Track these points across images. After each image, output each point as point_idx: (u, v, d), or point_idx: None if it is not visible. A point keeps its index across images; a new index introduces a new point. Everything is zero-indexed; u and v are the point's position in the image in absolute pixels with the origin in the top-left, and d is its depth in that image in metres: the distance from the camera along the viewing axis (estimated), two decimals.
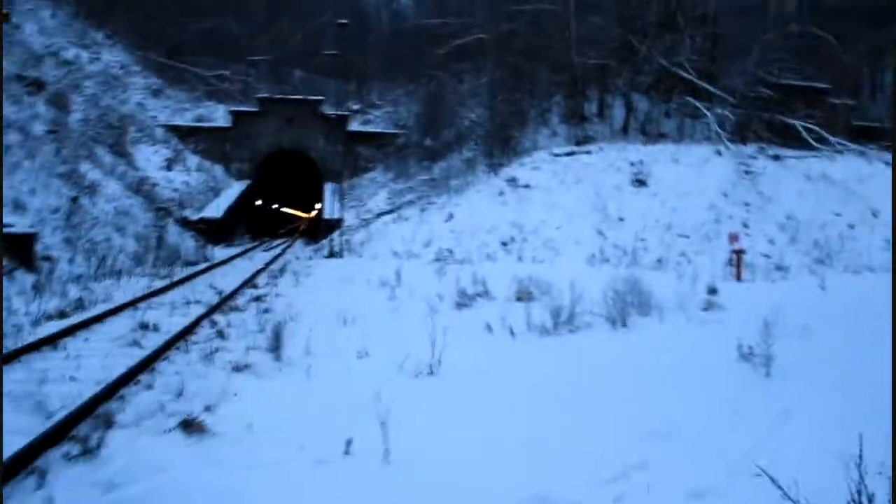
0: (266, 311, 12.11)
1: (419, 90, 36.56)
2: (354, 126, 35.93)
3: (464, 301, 12.74)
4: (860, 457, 3.82)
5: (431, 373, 7.40)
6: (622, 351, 8.37)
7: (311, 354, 8.42)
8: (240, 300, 13.65)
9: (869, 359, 8.13)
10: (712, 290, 13.86)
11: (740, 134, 23.83)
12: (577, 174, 22.40)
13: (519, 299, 12.87)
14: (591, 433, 5.33)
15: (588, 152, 23.34)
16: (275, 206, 49.29)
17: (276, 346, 8.59)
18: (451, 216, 22.64)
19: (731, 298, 13.25)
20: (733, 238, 17.76)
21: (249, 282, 16.31)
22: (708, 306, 12.05)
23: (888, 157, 22.65)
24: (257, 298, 13.94)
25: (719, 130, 23.34)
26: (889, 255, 18.62)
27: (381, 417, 5.12)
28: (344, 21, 39.33)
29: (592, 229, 20.42)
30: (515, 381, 6.94)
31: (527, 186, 22.67)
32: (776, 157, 21.95)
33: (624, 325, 10.00)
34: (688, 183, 21.29)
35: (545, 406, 6.07)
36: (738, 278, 17.11)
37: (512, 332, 9.39)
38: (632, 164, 22.17)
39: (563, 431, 5.37)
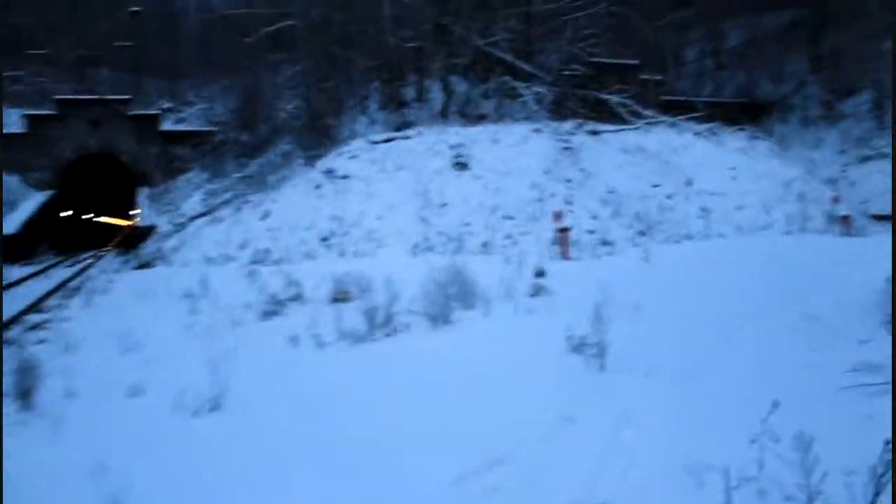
0: (41, 341, 10.26)
1: (235, 84, 34.37)
2: (168, 125, 33.16)
3: (273, 308, 11.41)
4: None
5: (215, 408, 6.10)
6: (443, 356, 7.41)
7: (74, 396, 6.88)
8: (14, 331, 11.55)
9: (703, 338, 7.67)
10: (540, 273, 13.33)
11: (558, 111, 23.83)
12: (396, 161, 21.45)
13: (336, 300, 11.71)
14: (398, 481, 4.25)
15: (407, 137, 22.46)
16: (88, 216, 45.00)
17: (25, 392, 6.95)
18: (267, 214, 21.03)
19: (560, 280, 12.76)
20: (557, 216, 17.46)
21: (35, 307, 14.07)
22: (536, 291, 11.42)
23: (697, 127, 23.42)
24: (36, 327, 11.91)
25: (537, 108, 23.18)
26: (703, 222, 19.06)
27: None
28: (136, 9, 36.30)
29: (415, 217, 19.56)
30: (314, 412, 5.76)
31: (345, 177, 21.45)
32: (594, 132, 22.07)
33: (446, 321, 9.08)
34: (509, 163, 20.92)
35: (345, 447, 4.93)
36: (566, 256, 16.82)
37: (320, 343, 8.20)
38: (452, 146, 21.51)
39: (362, 484, 4.26)
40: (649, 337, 7.54)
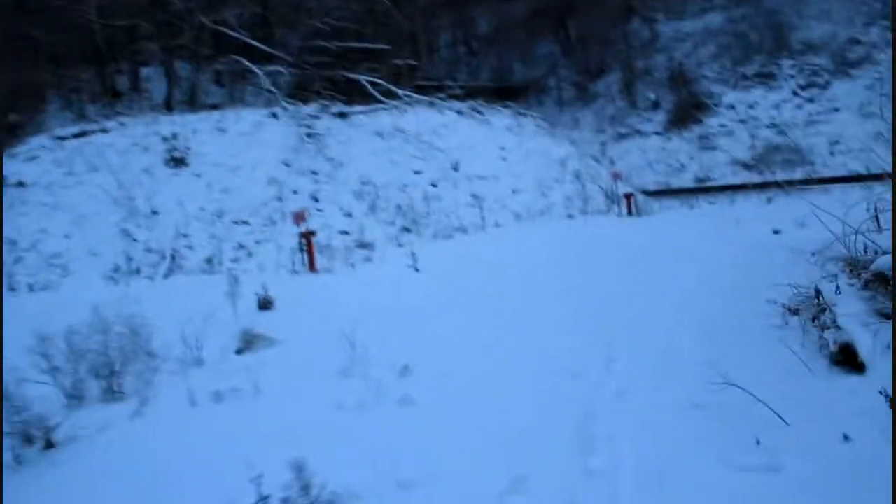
0: None
1: None
2: None
3: None
4: None
5: None
6: None
7: None
8: None
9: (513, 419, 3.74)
10: (265, 304, 8.81)
11: (300, 94, 19.24)
12: (91, 161, 15.73)
13: None
14: None
15: (105, 130, 16.76)
16: None
17: None
18: None
19: (292, 312, 8.33)
20: (299, 218, 12.97)
21: None
22: (247, 344, 6.90)
23: (459, 105, 19.95)
24: None
25: (273, 89, 18.46)
26: (476, 211, 15.52)
27: None
28: None
29: (115, 231, 14.13)
30: None
31: (20, 185, 15.41)
32: (342, 115, 17.77)
33: (49, 445, 4.35)
34: (240, 156, 16.06)
35: None
36: (312, 269, 12.43)
37: None
38: (165, 139, 16.20)
39: None
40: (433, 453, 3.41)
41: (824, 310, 5.03)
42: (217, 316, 7.98)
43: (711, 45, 26.79)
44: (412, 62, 29.64)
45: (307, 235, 12.79)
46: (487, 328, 6.39)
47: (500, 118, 19.97)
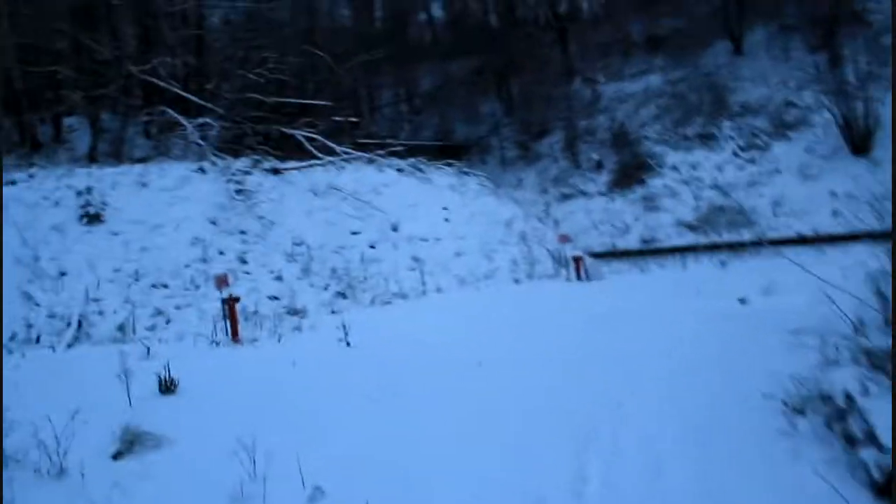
0: None
1: None
2: None
3: None
4: None
5: None
6: None
7: None
8: None
9: None
10: (168, 387, 7.46)
11: (231, 148, 17.99)
12: None
13: None
14: None
15: (12, 182, 15.19)
16: None
17: None
18: None
19: (196, 399, 7.01)
20: (222, 282, 11.64)
21: None
22: (127, 446, 5.53)
23: (399, 163, 18.99)
24: None
25: (201, 143, 17.19)
26: (417, 275, 14.40)
27: None
28: None
29: (16, 294, 12.52)
30: None
31: None
32: (275, 171, 16.59)
33: None
34: (162, 213, 14.67)
35: None
36: (235, 338, 11.07)
37: None
38: (79, 193, 14.73)
39: None
40: None
41: (844, 412, 4.04)
42: (108, 401, 6.65)
43: (652, 106, 26.67)
44: (353, 119, 28.78)
45: (230, 302, 11.44)
46: (424, 431, 5.22)
47: (443, 177, 19.08)
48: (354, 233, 15.36)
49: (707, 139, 23.71)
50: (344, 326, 8.98)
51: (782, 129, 22.21)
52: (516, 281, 14.49)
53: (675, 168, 23.32)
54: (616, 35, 32.45)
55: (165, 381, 7.34)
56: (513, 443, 4.91)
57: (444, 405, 5.92)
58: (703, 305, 8.83)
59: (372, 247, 15.09)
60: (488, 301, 12.26)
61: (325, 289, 13.67)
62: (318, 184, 16.36)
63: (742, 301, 8.89)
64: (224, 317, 11.55)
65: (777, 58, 25.18)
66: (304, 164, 17.07)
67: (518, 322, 9.30)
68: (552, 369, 6.59)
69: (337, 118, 27.01)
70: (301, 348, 9.27)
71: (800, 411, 4.43)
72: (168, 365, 7.47)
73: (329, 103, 26.79)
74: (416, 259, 14.87)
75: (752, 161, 21.91)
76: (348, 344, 8.87)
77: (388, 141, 26.31)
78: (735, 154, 22.57)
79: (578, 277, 14.37)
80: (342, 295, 13.52)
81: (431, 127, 33.28)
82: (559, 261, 15.16)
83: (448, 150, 29.12)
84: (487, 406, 5.70)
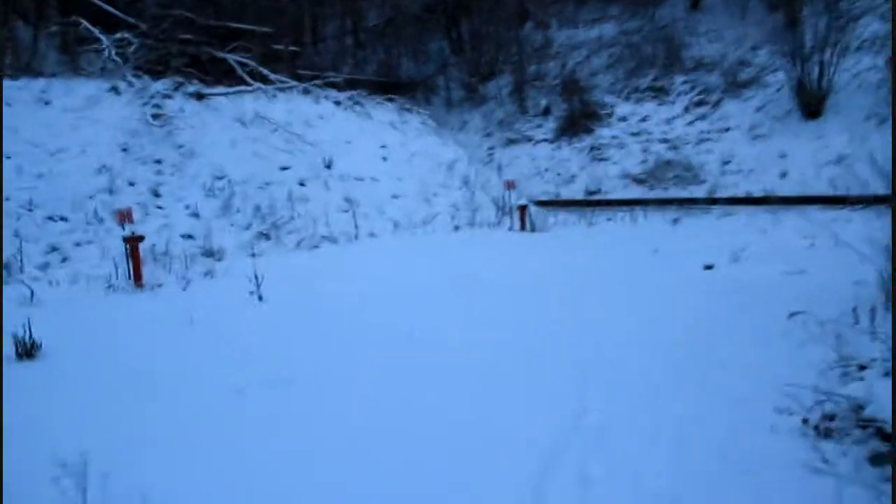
0: None
1: None
2: None
3: None
4: None
5: None
6: None
7: None
8: None
9: None
10: (28, 351, 6.00)
11: (152, 67, 15.97)
12: None
13: None
14: None
15: None
16: None
17: None
18: None
19: (57, 368, 5.59)
20: (123, 217, 10.06)
21: None
22: None
23: (338, 95, 17.30)
24: None
25: (117, 59, 15.15)
26: (349, 217, 13.01)
27: None
28: None
29: None
30: None
31: None
32: (199, 96, 14.75)
33: None
34: (66, 135, 12.79)
35: None
36: (138, 283, 9.60)
37: None
38: None
39: None
40: None
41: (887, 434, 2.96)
42: None
43: (605, 55, 25.40)
44: (293, 48, 26.71)
45: (132, 241, 9.89)
46: (331, 436, 3.96)
47: (383, 112, 17.52)
48: (283, 168, 13.80)
49: (658, 92, 22.64)
50: (256, 278, 7.59)
51: (735, 87, 21.26)
52: (456, 228, 13.26)
53: (624, 119, 22.24)
54: None
55: (23, 343, 5.89)
56: (446, 451, 3.72)
57: (361, 395, 4.67)
58: (667, 271, 7.75)
59: (302, 184, 13.58)
60: (426, 251, 11.01)
61: (247, 228, 12.18)
62: (246, 112, 14.64)
63: (708, 267, 7.81)
64: (126, 257, 10.03)
65: (734, 15, 24.10)
66: (231, 90, 15.25)
67: (457, 275, 8.08)
68: (500, 343, 5.40)
69: (277, 46, 25.03)
70: (206, 300, 7.88)
71: (827, 434, 3.35)
72: (29, 322, 6.01)
73: (268, 30, 24.79)
74: (349, 200, 13.45)
75: (702, 117, 20.96)
76: (260, 298, 7.51)
77: (329, 75, 24.52)
78: (686, 109, 21.58)
79: (523, 228, 13.21)
80: (265, 236, 12.06)
81: (377, 62, 31.37)
82: (503, 209, 13.94)
83: (391, 88, 27.42)
84: (414, 402, 4.47)
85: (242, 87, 15.47)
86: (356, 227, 12.53)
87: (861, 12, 20.45)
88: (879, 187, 16.16)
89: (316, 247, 11.89)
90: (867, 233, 10.75)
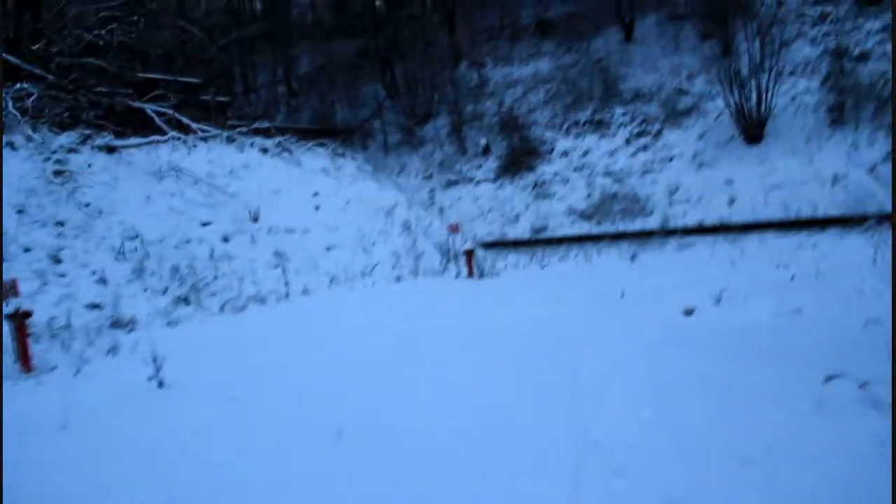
0: None
1: None
2: None
3: None
4: None
5: None
6: None
7: None
8: None
9: None
10: None
11: (58, 119, 14.38)
12: None
13: None
14: None
15: None
16: None
17: None
18: None
19: None
20: (8, 292, 8.46)
21: None
22: None
23: (265, 142, 15.96)
24: None
25: (14, 111, 13.54)
26: (279, 273, 11.57)
27: None
28: None
29: None
30: None
31: None
32: (110, 149, 13.23)
33: None
34: None
35: None
36: (26, 367, 7.99)
37: None
38: None
39: None
40: None
41: None
42: None
43: (541, 91, 24.77)
44: (222, 99, 25.36)
45: (18, 318, 8.29)
46: None
47: (314, 158, 16.23)
48: (205, 223, 12.34)
49: (598, 125, 22.00)
50: (155, 360, 6.13)
51: (675, 116, 20.76)
52: (398, 278, 11.96)
53: (565, 154, 21.48)
54: (505, 19, 30.47)
55: None
56: None
57: None
58: (641, 319, 6.57)
59: (225, 240, 12.13)
60: (365, 306, 9.67)
61: (164, 293, 10.64)
62: (162, 165, 13.17)
63: (689, 312, 6.62)
64: (13, 338, 8.40)
65: (668, 45, 23.82)
66: (145, 140, 13.76)
67: (400, 334, 6.77)
68: (450, 455, 4.10)
69: (204, 96, 23.65)
70: (95, 391, 6.37)
71: None
72: None
73: (193, 80, 23.46)
74: (278, 254, 12.04)
75: (644, 148, 20.33)
76: (160, 385, 6.05)
77: (263, 126, 23.19)
78: (627, 141, 20.94)
79: (471, 274, 12.01)
80: (184, 300, 10.55)
81: (311, 110, 30.23)
82: (447, 254, 12.73)
83: (327, 135, 26.24)
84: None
85: (157, 137, 14.00)
86: (287, 284, 11.12)
87: (792, 37, 20.23)
88: (831, 209, 15.41)
89: (242, 309, 10.42)
90: (839, 260, 9.85)
